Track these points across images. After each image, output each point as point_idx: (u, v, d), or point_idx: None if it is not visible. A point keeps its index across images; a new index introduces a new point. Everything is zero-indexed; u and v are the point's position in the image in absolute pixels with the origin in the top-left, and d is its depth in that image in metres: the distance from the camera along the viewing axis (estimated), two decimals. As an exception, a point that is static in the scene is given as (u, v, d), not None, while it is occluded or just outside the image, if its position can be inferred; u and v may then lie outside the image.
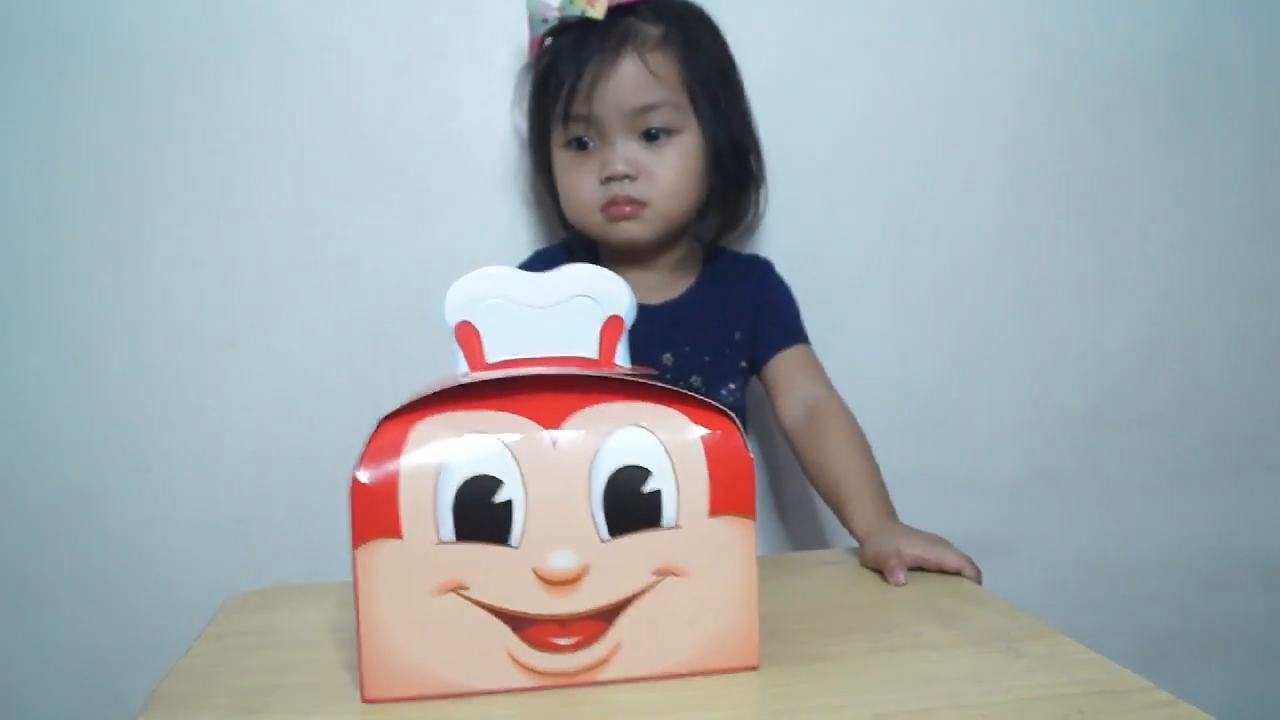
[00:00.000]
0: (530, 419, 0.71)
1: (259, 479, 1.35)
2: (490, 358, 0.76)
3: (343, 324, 1.35)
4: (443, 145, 1.35)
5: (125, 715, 0.72)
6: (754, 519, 0.73)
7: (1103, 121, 1.46)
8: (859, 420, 1.18)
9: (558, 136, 1.20)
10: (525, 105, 1.27)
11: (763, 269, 1.30)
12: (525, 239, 1.37)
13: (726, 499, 0.72)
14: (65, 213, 1.30)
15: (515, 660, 0.71)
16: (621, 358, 0.78)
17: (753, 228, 1.32)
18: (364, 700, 0.71)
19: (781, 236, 1.38)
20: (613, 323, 0.78)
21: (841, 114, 1.40)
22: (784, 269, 1.30)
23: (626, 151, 1.16)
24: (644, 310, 1.18)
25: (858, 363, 1.32)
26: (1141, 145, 1.47)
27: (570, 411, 0.72)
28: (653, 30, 1.16)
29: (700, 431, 0.72)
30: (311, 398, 1.35)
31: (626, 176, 1.16)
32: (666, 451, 0.71)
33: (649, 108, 1.15)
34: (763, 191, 1.28)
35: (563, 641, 0.71)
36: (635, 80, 1.14)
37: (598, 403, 0.72)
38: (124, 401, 1.34)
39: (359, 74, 1.33)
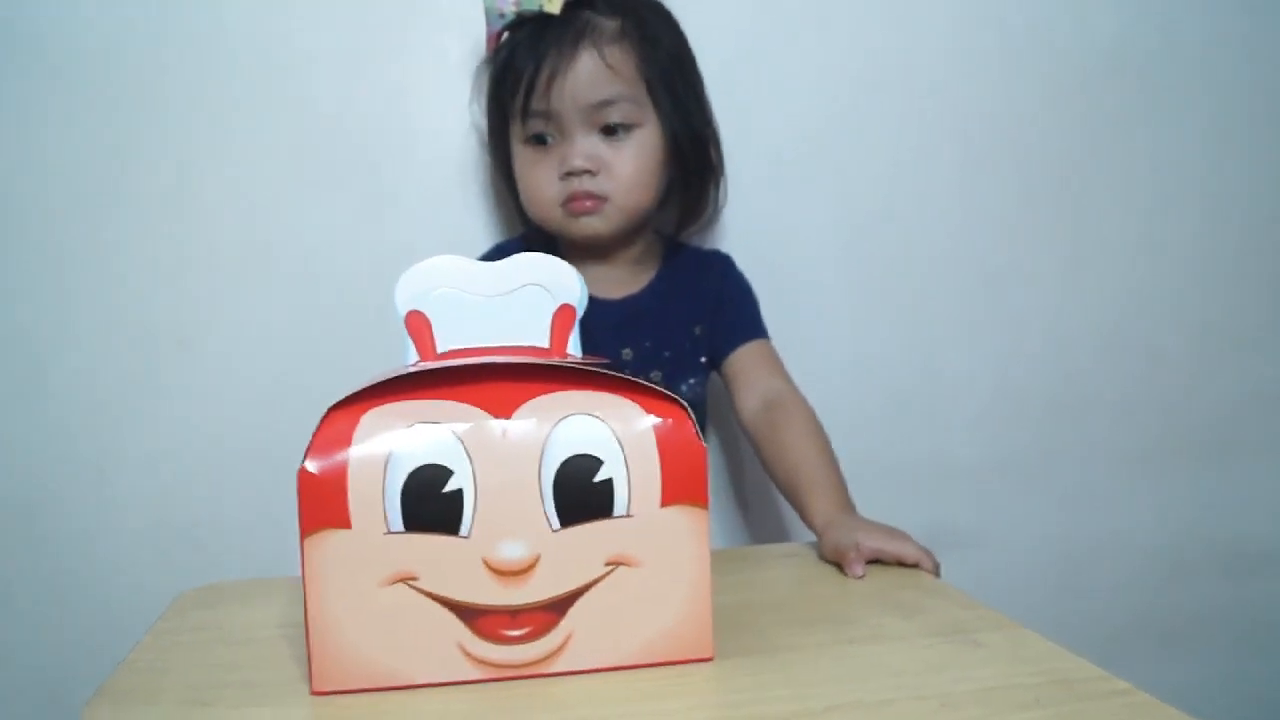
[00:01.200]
0: (480, 408, 0.70)
1: (213, 478, 1.34)
2: (441, 347, 0.76)
3: (297, 320, 1.34)
4: (396, 138, 1.33)
5: (77, 715, 0.71)
6: (707, 508, 0.72)
7: (1063, 105, 1.46)
8: (821, 410, 1.18)
9: (516, 132, 1.20)
10: (483, 101, 1.26)
11: (723, 264, 1.30)
12: (482, 232, 1.36)
13: (679, 488, 0.71)
14: (12, 212, 1.28)
15: (466, 652, 0.70)
16: (573, 347, 0.77)
17: (713, 220, 1.32)
18: (313, 692, 0.70)
19: (740, 228, 1.38)
20: (564, 311, 0.77)
21: (797, 102, 1.40)
22: (743, 260, 1.30)
23: (586, 146, 1.16)
24: (604, 305, 1.18)
25: (818, 352, 1.32)
26: (1102, 129, 1.48)
27: (521, 401, 0.71)
28: (609, 24, 1.16)
29: (652, 420, 0.71)
30: (266, 395, 1.34)
31: (586, 171, 1.15)
32: (618, 440, 0.71)
33: (607, 102, 1.14)
34: (722, 184, 1.27)
35: (514, 633, 0.70)
36: (593, 75, 1.14)
37: (548, 392, 0.72)
38: (76, 401, 1.32)
39: (309, 67, 1.31)
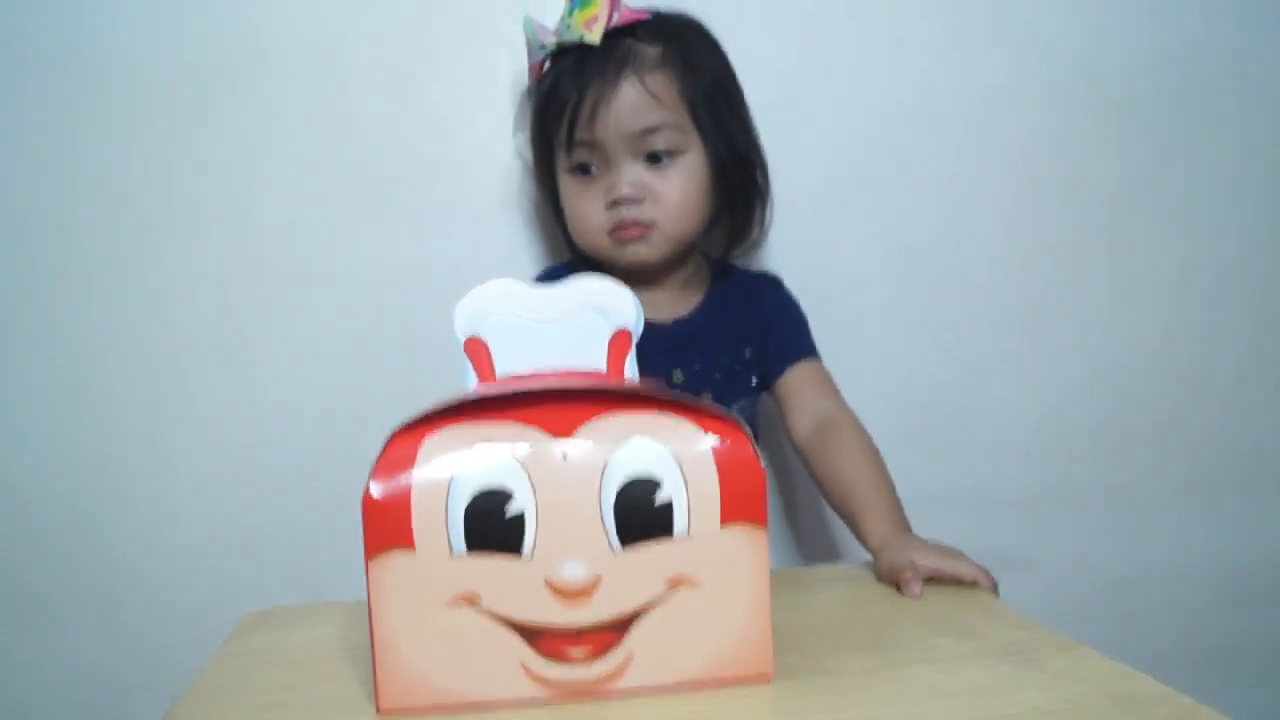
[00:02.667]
0: (541, 431, 0.71)
1: (262, 495, 1.35)
2: (500, 371, 0.77)
3: (344, 338, 1.35)
4: (445, 158, 1.35)
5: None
6: (765, 528, 0.73)
7: (1109, 130, 1.46)
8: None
9: (561, 161, 1.20)
10: (527, 131, 1.27)
11: (772, 285, 1.30)
12: (529, 252, 1.37)
13: (738, 508, 0.72)
14: (65, 227, 1.30)
15: (528, 671, 0.71)
16: (630, 370, 0.78)
17: (759, 242, 1.32)
18: (379, 712, 0.71)
19: (787, 250, 1.38)
20: (620, 336, 0.78)
21: (845, 125, 1.40)
22: (790, 282, 1.30)
23: (631, 174, 1.16)
24: (654, 328, 1.18)
25: (865, 376, 1.32)
26: (1148, 154, 1.47)
27: (580, 423, 0.72)
28: (651, 51, 1.16)
29: (710, 441, 0.72)
30: (313, 413, 1.35)
31: (632, 200, 1.16)
32: (677, 461, 0.71)
33: (651, 130, 1.15)
34: (768, 205, 1.28)
35: (575, 652, 0.71)
36: (636, 103, 1.14)
37: (607, 414, 0.72)
38: (126, 418, 1.34)
39: (360, 86, 1.33)
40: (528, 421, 0.71)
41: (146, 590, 1.35)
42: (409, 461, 0.70)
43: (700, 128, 1.17)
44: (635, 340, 0.78)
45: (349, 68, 1.33)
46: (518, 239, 1.37)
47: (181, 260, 1.33)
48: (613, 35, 1.15)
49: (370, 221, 1.35)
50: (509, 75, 1.33)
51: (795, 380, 1.24)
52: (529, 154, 1.28)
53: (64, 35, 1.28)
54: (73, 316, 1.32)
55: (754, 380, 1.26)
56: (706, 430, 0.72)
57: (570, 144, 1.17)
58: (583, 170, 1.19)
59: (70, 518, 1.34)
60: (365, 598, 0.71)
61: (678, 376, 1.22)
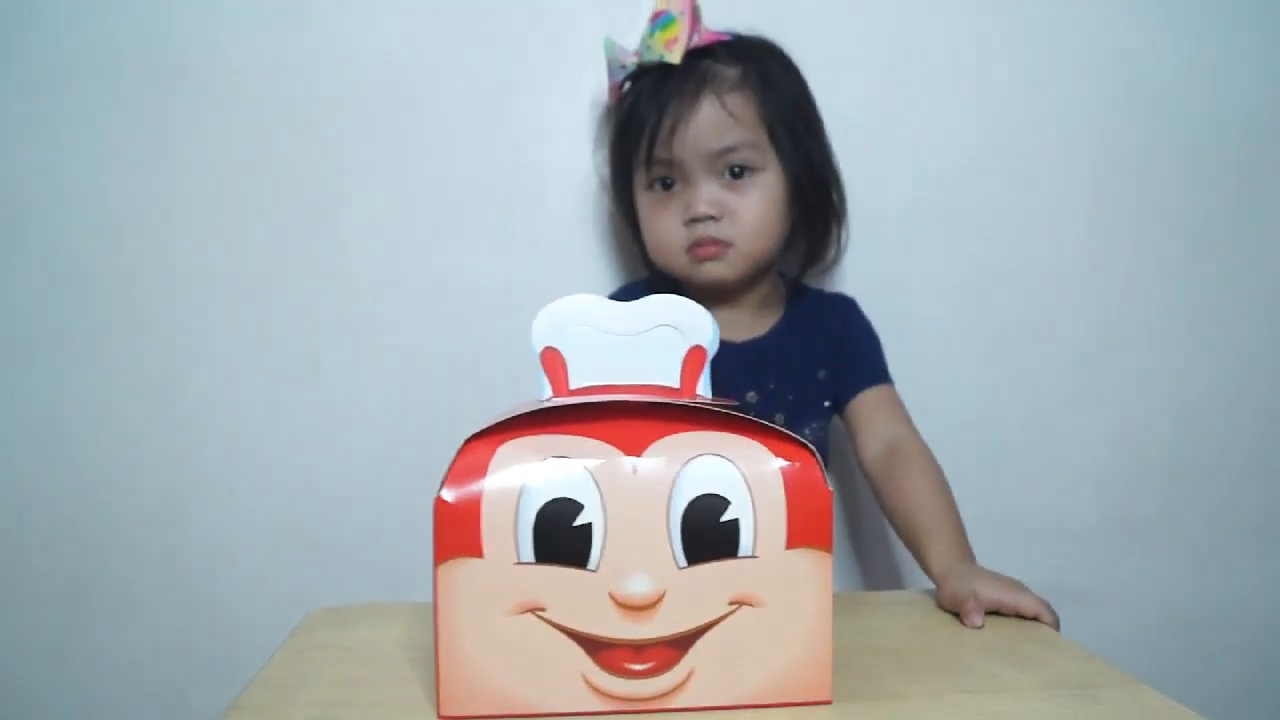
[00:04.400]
0: (612, 445, 0.72)
1: (339, 498, 1.38)
2: (574, 384, 0.77)
3: (425, 348, 1.37)
4: (531, 175, 1.36)
5: (205, 724, 0.74)
6: (830, 552, 0.73)
7: (1187, 163, 1.44)
8: (939, 462, 1.17)
9: (640, 179, 1.22)
10: (606, 149, 1.29)
11: (847, 307, 1.30)
12: (608, 270, 1.38)
13: (804, 531, 0.72)
14: (161, 232, 1.34)
15: (589, 683, 0.71)
16: (703, 388, 0.78)
17: (834, 264, 1.33)
18: (440, 716, 0.72)
19: (862, 274, 1.38)
20: (695, 353, 0.78)
21: (924, 152, 1.40)
22: (866, 307, 1.30)
23: (709, 192, 1.17)
24: (729, 347, 1.19)
25: (937, 402, 1.31)
26: (1226, 187, 1.45)
27: (651, 439, 0.72)
28: (730, 71, 1.17)
29: (780, 463, 0.72)
30: (394, 419, 1.37)
31: (710, 217, 1.17)
32: (745, 481, 0.72)
33: (729, 149, 1.16)
34: (845, 227, 1.28)
35: (637, 667, 0.71)
36: (715, 122, 1.15)
37: (678, 431, 0.73)
38: (211, 418, 1.36)
39: (450, 103, 1.35)
40: (600, 435, 0.72)
41: (224, 586, 1.38)
42: (481, 469, 0.71)
43: (778, 148, 1.18)
44: (710, 357, 0.78)
45: (438, 85, 1.35)
46: (598, 257, 1.38)
47: (273, 268, 1.36)
48: (693, 56, 1.16)
49: (455, 236, 1.37)
50: (591, 94, 1.34)
51: (867, 404, 1.24)
52: (607, 172, 1.30)
53: (164, 48, 1.32)
54: (166, 319, 1.35)
55: (827, 403, 1.26)
56: (776, 453, 0.73)
57: (649, 162, 1.18)
58: (662, 187, 1.20)
59: (153, 513, 1.37)
60: (430, 599, 0.72)
61: (752, 397, 1.22)
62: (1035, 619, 0.96)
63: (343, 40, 1.33)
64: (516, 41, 1.35)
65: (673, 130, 1.15)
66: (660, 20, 1.17)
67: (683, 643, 0.71)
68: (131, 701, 1.39)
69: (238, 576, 1.38)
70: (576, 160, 1.36)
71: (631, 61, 1.20)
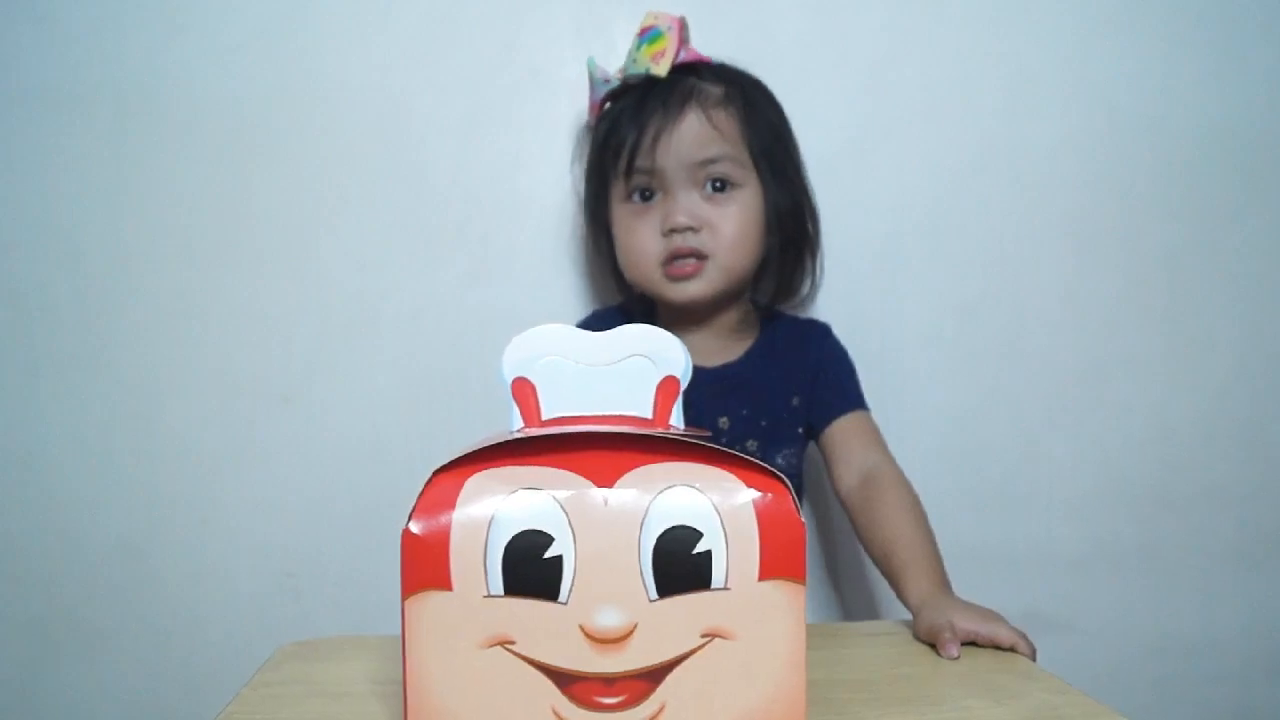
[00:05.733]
0: (583, 476, 0.71)
1: (312, 532, 1.37)
2: (546, 414, 0.77)
3: (399, 380, 1.37)
4: (505, 205, 1.37)
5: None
6: (804, 584, 0.72)
7: (1167, 192, 1.46)
8: (919, 492, 1.17)
9: (618, 192, 1.22)
10: (584, 166, 1.28)
11: (821, 333, 1.30)
12: (585, 300, 1.39)
13: (777, 563, 0.71)
14: (132, 263, 1.34)
15: (559, 717, 0.70)
16: (676, 418, 0.78)
17: (811, 297, 1.32)
18: (408, 752, 0.71)
19: (843, 305, 1.39)
20: (668, 383, 0.78)
21: (903, 183, 1.41)
22: (845, 336, 1.30)
23: (689, 203, 1.17)
24: (701, 373, 1.18)
25: (916, 432, 1.31)
26: (1206, 217, 1.47)
27: (623, 470, 0.72)
28: (714, 89, 1.18)
29: (752, 494, 0.72)
30: (366, 452, 1.36)
31: (689, 228, 1.17)
32: (718, 513, 0.71)
33: (711, 160, 1.17)
34: (819, 260, 1.28)
35: (608, 700, 0.70)
36: (698, 133, 1.16)
37: (650, 462, 0.72)
38: (181, 451, 1.36)
39: (424, 133, 1.35)
40: (571, 466, 0.71)
41: (194, 623, 1.38)
42: (450, 502, 0.70)
43: (758, 168, 1.19)
44: (683, 387, 0.78)
45: (414, 113, 1.36)
46: (572, 286, 1.39)
47: (244, 299, 1.36)
48: (678, 72, 1.18)
49: (429, 265, 1.37)
50: (567, 124, 1.35)
51: (842, 432, 1.23)
52: (583, 189, 1.30)
53: (132, 78, 1.32)
54: (134, 351, 1.35)
55: (800, 429, 1.26)
56: (748, 484, 0.72)
57: (630, 171, 1.18)
58: (641, 197, 1.20)
59: (121, 548, 1.36)
60: (400, 634, 0.71)
61: (724, 423, 1.22)
62: (1012, 649, 0.96)
63: (316, 70, 1.33)
64: (491, 72, 1.36)
65: (655, 139, 1.16)
66: (648, 35, 1.18)
67: (655, 675, 0.70)
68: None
69: (209, 612, 1.37)
70: (551, 190, 1.36)
71: (615, 77, 1.20)
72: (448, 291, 1.36)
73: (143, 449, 1.35)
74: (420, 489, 0.71)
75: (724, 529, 0.71)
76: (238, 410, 1.36)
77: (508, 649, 0.70)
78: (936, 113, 1.41)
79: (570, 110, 1.35)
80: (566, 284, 1.38)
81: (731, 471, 0.72)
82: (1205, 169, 1.46)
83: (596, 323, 1.26)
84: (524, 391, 0.77)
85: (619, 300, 1.33)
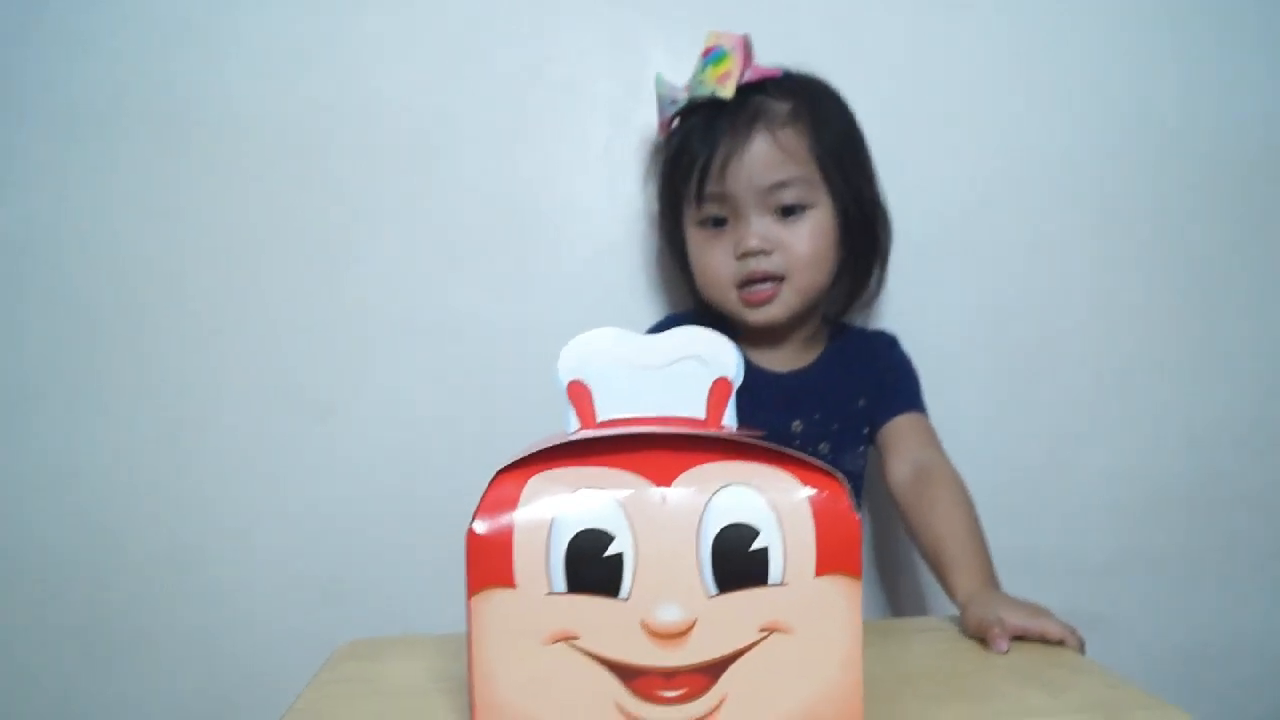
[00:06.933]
0: (641, 475, 0.73)
1: (353, 541, 1.38)
2: (600, 416, 0.78)
3: (436, 392, 1.38)
4: (543, 218, 1.38)
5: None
6: (860, 579, 0.73)
7: (1197, 193, 1.46)
8: (956, 491, 1.18)
9: (690, 215, 1.22)
10: (656, 183, 1.30)
11: (888, 343, 1.32)
12: (622, 308, 1.39)
13: (833, 559, 0.73)
14: (172, 278, 1.35)
15: (622, 710, 0.72)
16: (729, 419, 0.79)
17: (873, 300, 1.34)
18: (475, 746, 0.72)
19: (880, 309, 1.40)
20: (720, 384, 0.79)
21: (937, 190, 1.41)
22: (878, 340, 1.32)
23: (760, 227, 1.18)
24: (774, 378, 1.20)
25: (950, 435, 1.32)
26: (1240, 218, 1.46)
27: (680, 470, 0.73)
28: (782, 107, 1.18)
29: (808, 491, 0.73)
30: (406, 464, 1.37)
31: (761, 252, 1.17)
32: (774, 510, 0.72)
33: (781, 184, 1.16)
34: (887, 263, 1.30)
35: (669, 694, 0.72)
36: (767, 158, 1.16)
37: (706, 462, 0.74)
38: (224, 462, 1.37)
39: (461, 146, 1.37)
40: (629, 466, 0.73)
41: (241, 630, 1.39)
42: (512, 502, 0.72)
43: (829, 183, 1.19)
44: (735, 388, 0.79)
45: (450, 129, 1.37)
46: (611, 295, 1.39)
47: (285, 312, 1.37)
48: (744, 91, 1.17)
49: (467, 280, 1.38)
50: (603, 138, 1.37)
51: (899, 429, 1.25)
52: (656, 206, 1.31)
53: (173, 94, 1.34)
54: (177, 365, 1.36)
55: (865, 430, 1.27)
56: (804, 481, 0.73)
57: (700, 197, 1.19)
58: (713, 223, 1.20)
59: (171, 558, 1.38)
60: (455, 631, 0.72)
61: (797, 427, 1.23)
62: (1060, 643, 0.97)
63: (353, 85, 1.35)
64: (526, 86, 1.37)
65: (724, 165, 1.16)
66: (712, 55, 1.18)
67: (714, 670, 0.72)
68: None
69: (253, 622, 1.38)
70: (593, 203, 1.38)
71: (682, 96, 1.21)
72: (486, 304, 1.37)
73: (186, 461, 1.37)
74: (466, 497, 0.73)
75: (780, 525, 0.72)
76: (280, 421, 1.37)
77: (571, 645, 0.71)
78: (967, 117, 1.41)
79: (604, 123, 1.36)
80: (606, 295, 1.39)
81: (786, 470, 0.74)
82: (1239, 171, 1.46)
83: (672, 326, 1.27)
84: (579, 394, 0.78)
85: (689, 306, 1.34)
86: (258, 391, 1.37)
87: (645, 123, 1.33)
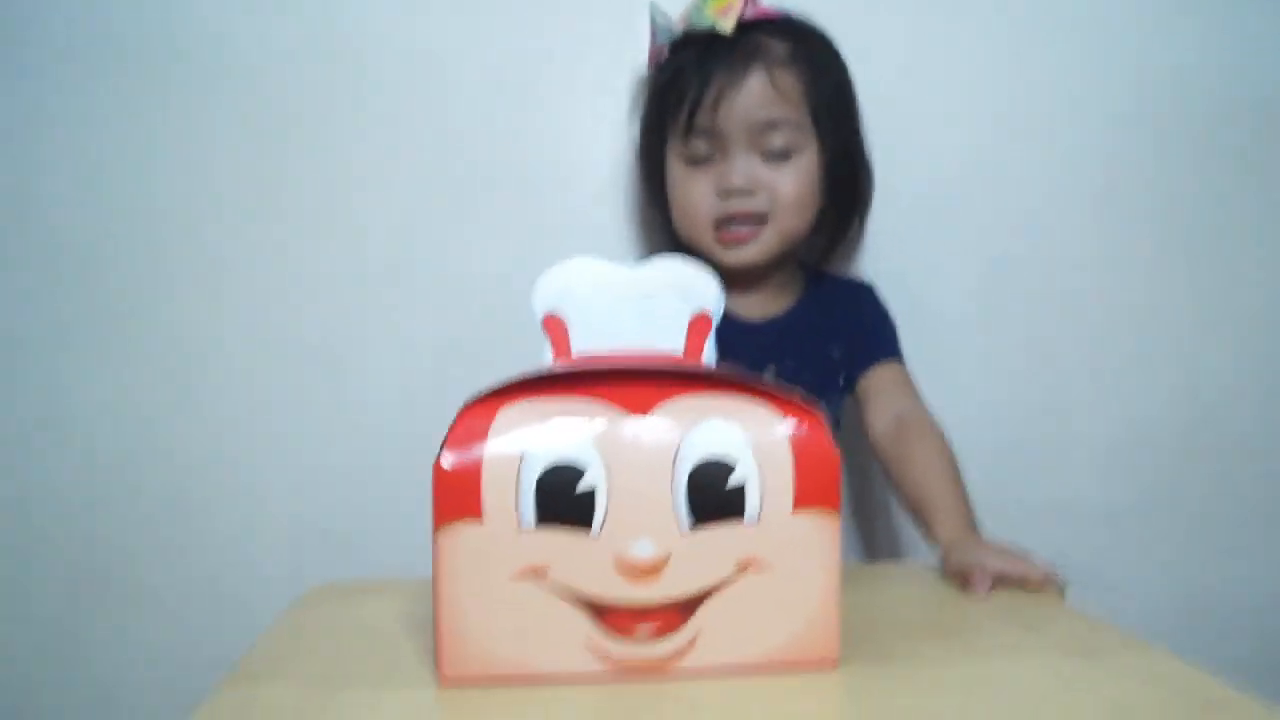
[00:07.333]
0: (616, 405, 0.71)
1: (354, 492, 1.37)
2: (577, 350, 0.76)
3: (441, 342, 1.36)
4: (550, 166, 1.35)
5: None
6: (838, 514, 0.72)
7: (1197, 151, 1.44)
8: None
9: (675, 148, 1.20)
10: (641, 115, 1.27)
11: (865, 291, 1.31)
12: (626, 254, 1.37)
13: (811, 494, 0.71)
14: (173, 225, 1.33)
15: (593, 646, 0.70)
16: (708, 355, 0.77)
17: (853, 245, 1.32)
18: (441, 681, 0.71)
19: (877, 262, 1.38)
20: (700, 319, 0.77)
21: (939, 138, 1.39)
22: (880, 291, 1.31)
23: (746, 166, 1.16)
24: (747, 326, 1.19)
25: (951, 387, 1.30)
26: (1235, 175, 1.45)
27: (656, 400, 0.71)
28: (780, 47, 1.16)
29: (787, 425, 0.71)
30: (408, 413, 1.35)
31: (744, 191, 1.16)
32: (751, 444, 0.71)
33: (772, 124, 1.15)
34: (867, 215, 1.28)
35: (641, 630, 0.70)
36: (762, 95, 1.14)
37: (684, 393, 0.72)
38: (225, 411, 1.36)
39: (466, 94, 1.34)
40: (604, 398, 0.71)
41: (243, 577, 1.37)
42: (481, 434, 0.70)
43: (819, 130, 1.17)
44: (715, 324, 0.77)
45: (454, 76, 1.34)
46: (617, 247, 1.37)
47: (287, 261, 1.35)
48: (743, 28, 1.15)
49: (472, 229, 1.36)
50: (616, 90, 1.34)
51: (878, 379, 1.23)
52: (638, 139, 1.28)
53: (173, 39, 1.31)
54: (177, 312, 1.34)
55: (841, 380, 1.25)
56: (784, 414, 0.72)
57: (689, 130, 1.17)
58: (697, 161, 1.18)
59: (174, 507, 1.36)
60: (430, 574, 0.71)
61: (770, 374, 1.21)
62: (1040, 587, 0.95)
63: (356, 30, 1.32)
64: (534, 32, 1.34)
65: (718, 98, 1.14)
66: None
67: (688, 606, 0.71)
68: (145, 694, 1.38)
69: (252, 570, 1.37)
70: (598, 150, 1.35)
71: (679, 28, 1.18)
72: (490, 254, 1.35)
73: (186, 410, 1.35)
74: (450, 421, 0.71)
75: (758, 460, 0.71)
76: (281, 370, 1.35)
77: (541, 580, 0.70)
78: (969, 70, 1.39)
79: (612, 69, 1.33)
80: (608, 245, 1.36)
81: (766, 401, 0.72)
82: (1237, 130, 1.44)
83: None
84: (555, 327, 0.76)
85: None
86: (259, 338, 1.35)
87: (643, 62, 1.30)
